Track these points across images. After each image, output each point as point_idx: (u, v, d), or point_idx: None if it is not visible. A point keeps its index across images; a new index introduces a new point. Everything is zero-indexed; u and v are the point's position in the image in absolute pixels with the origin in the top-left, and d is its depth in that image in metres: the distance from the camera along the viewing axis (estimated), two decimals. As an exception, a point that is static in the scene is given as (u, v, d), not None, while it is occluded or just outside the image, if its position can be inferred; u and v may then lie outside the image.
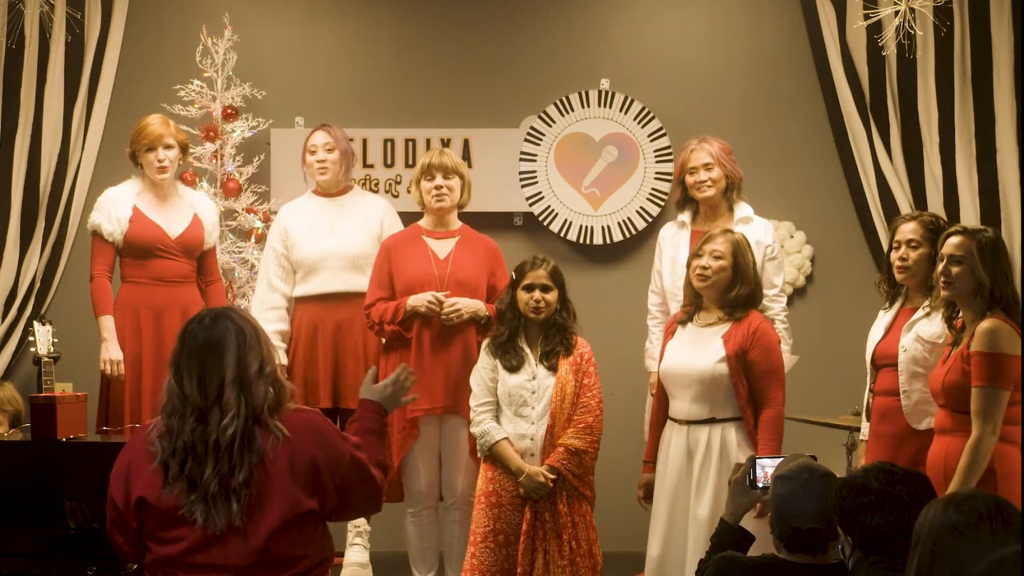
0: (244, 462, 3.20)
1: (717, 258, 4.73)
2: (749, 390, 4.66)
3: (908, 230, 4.60)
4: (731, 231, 4.85)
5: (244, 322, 3.34)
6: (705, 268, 4.73)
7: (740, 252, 4.76)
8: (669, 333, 4.84)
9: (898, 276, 4.62)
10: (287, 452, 3.24)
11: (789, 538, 3.33)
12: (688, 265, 4.81)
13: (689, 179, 5.44)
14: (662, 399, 4.83)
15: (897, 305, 4.68)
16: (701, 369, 4.66)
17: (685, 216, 5.50)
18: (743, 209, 5.46)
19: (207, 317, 3.35)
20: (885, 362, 4.61)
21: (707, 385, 4.66)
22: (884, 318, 4.71)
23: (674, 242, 5.48)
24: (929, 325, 4.52)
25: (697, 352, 4.70)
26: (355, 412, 3.62)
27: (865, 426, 4.75)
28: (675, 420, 4.74)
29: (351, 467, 3.33)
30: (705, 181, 5.40)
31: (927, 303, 4.55)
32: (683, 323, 4.82)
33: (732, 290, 4.75)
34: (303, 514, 3.25)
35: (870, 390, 4.71)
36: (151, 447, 3.28)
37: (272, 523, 3.21)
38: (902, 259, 4.59)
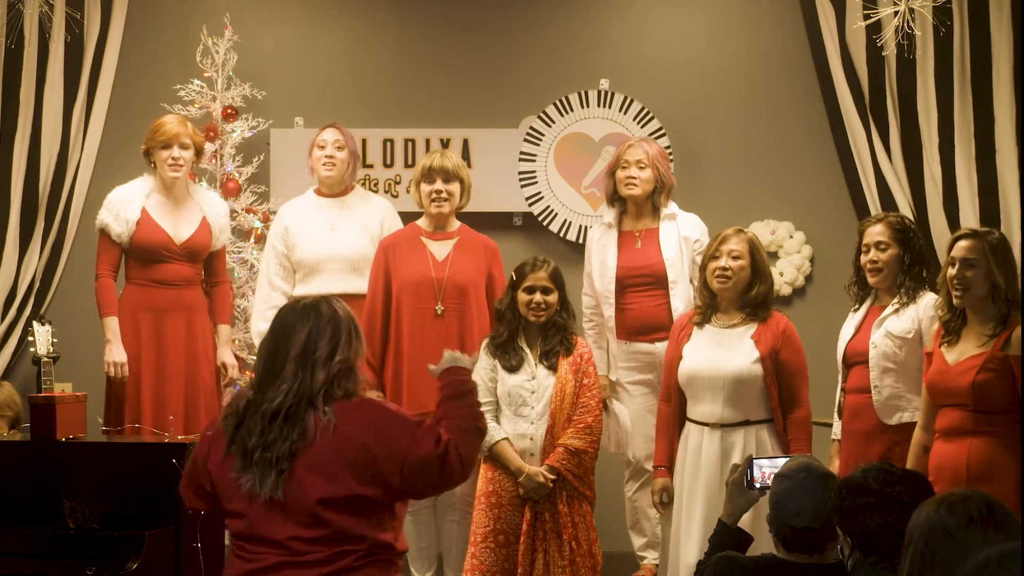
0: (286, 436, 3.25)
1: (736, 258, 4.72)
2: (779, 391, 4.66)
3: (876, 232, 4.65)
4: (743, 230, 4.84)
5: (333, 311, 3.37)
6: (725, 269, 4.71)
7: (756, 250, 4.77)
8: (684, 335, 4.80)
9: (871, 279, 4.66)
10: (337, 438, 3.25)
11: (785, 537, 3.34)
12: (703, 267, 4.80)
13: (620, 173, 5.42)
14: (678, 402, 4.81)
15: (867, 304, 4.72)
16: (736, 370, 4.64)
17: (611, 217, 5.49)
18: (668, 207, 5.46)
19: (301, 302, 3.43)
20: (856, 360, 4.66)
21: (741, 387, 4.65)
22: (854, 318, 4.75)
23: (602, 244, 5.49)
24: (898, 321, 4.57)
25: (727, 354, 4.68)
26: (441, 383, 3.52)
27: (837, 424, 4.78)
28: (703, 423, 4.70)
29: (410, 452, 3.25)
30: (634, 178, 5.38)
31: (896, 300, 4.60)
32: (699, 324, 4.80)
33: (752, 289, 4.74)
34: (351, 497, 3.24)
35: (842, 389, 4.74)
36: (221, 420, 3.38)
37: (315, 500, 3.22)
38: (873, 262, 4.63)
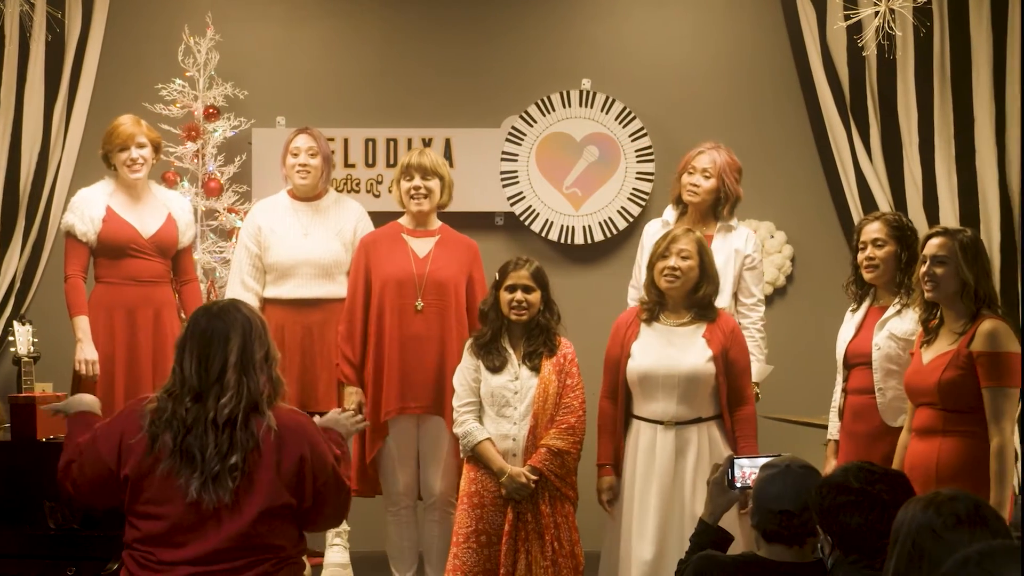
0: (240, 445, 3.30)
1: (685, 258, 4.75)
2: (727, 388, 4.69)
3: (873, 229, 4.67)
4: (692, 230, 4.86)
5: (252, 313, 3.46)
6: (675, 269, 4.74)
7: (705, 251, 4.81)
8: (632, 333, 4.81)
9: (867, 276, 4.67)
10: (276, 446, 3.34)
11: (767, 528, 3.32)
12: (651, 266, 4.81)
13: (685, 178, 5.40)
14: (624, 399, 4.81)
15: (866, 304, 4.73)
16: (691, 369, 4.68)
17: (670, 215, 5.48)
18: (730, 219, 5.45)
19: (216, 305, 3.48)
20: (858, 361, 4.65)
21: (695, 385, 4.68)
22: (853, 318, 4.76)
23: (654, 241, 5.47)
24: (901, 322, 4.58)
25: (681, 352, 4.71)
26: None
27: (834, 425, 4.78)
28: (655, 421, 4.72)
29: (332, 476, 3.43)
30: (696, 186, 5.34)
31: (897, 301, 4.61)
32: (647, 321, 4.82)
33: (699, 289, 4.77)
34: (280, 506, 3.34)
35: (842, 390, 4.74)
36: (142, 422, 3.37)
37: (254, 511, 3.30)
38: (869, 258, 4.64)
